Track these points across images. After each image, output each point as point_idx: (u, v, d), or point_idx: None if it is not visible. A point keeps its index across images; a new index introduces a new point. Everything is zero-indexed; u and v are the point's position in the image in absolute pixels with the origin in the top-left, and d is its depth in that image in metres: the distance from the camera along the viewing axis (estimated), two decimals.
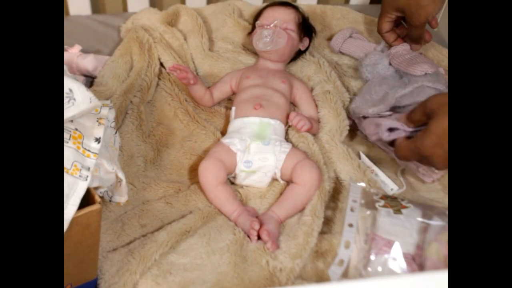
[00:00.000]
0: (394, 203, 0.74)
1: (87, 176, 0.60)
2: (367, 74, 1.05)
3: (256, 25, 1.08)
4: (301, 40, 1.09)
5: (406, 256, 0.69)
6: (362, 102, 0.97)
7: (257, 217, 0.82)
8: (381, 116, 0.90)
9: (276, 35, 1.01)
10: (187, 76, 0.96)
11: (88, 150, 0.62)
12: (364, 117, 0.94)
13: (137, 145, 0.94)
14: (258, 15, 1.11)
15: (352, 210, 0.74)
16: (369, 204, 0.75)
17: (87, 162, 0.61)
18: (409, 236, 0.70)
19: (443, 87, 0.96)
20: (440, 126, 0.67)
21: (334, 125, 0.95)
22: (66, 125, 0.62)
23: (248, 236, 0.79)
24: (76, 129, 0.63)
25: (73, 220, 0.56)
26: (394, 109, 0.93)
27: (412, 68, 0.99)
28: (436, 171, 0.89)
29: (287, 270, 0.73)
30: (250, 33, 1.13)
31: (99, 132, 0.65)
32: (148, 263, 0.71)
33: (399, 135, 0.79)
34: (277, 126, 0.94)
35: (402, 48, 1.05)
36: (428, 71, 0.98)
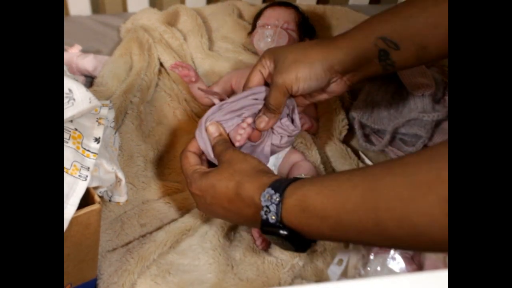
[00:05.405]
0: None
1: (87, 176, 0.60)
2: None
3: (257, 25, 1.08)
4: (301, 40, 1.09)
5: (405, 255, 0.69)
6: (367, 111, 0.94)
7: None
8: None
9: (277, 35, 1.01)
10: (189, 74, 0.96)
11: (88, 150, 0.62)
12: None
13: (137, 145, 0.94)
14: (258, 15, 1.11)
15: None
16: None
17: (87, 162, 0.61)
18: None
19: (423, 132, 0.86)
20: None
21: (333, 124, 0.95)
22: (66, 125, 0.62)
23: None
24: (76, 129, 0.63)
25: (73, 220, 0.56)
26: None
27: (411, 86, 0.89)
28: None
29: (286, 269, 0.73)
30: (250, 33, 1.13)
31: (98, 132, 0.65)
32: (147, 263, 0.72)
33: None
34: None
35: None
36: (426, 92, 0.87)
